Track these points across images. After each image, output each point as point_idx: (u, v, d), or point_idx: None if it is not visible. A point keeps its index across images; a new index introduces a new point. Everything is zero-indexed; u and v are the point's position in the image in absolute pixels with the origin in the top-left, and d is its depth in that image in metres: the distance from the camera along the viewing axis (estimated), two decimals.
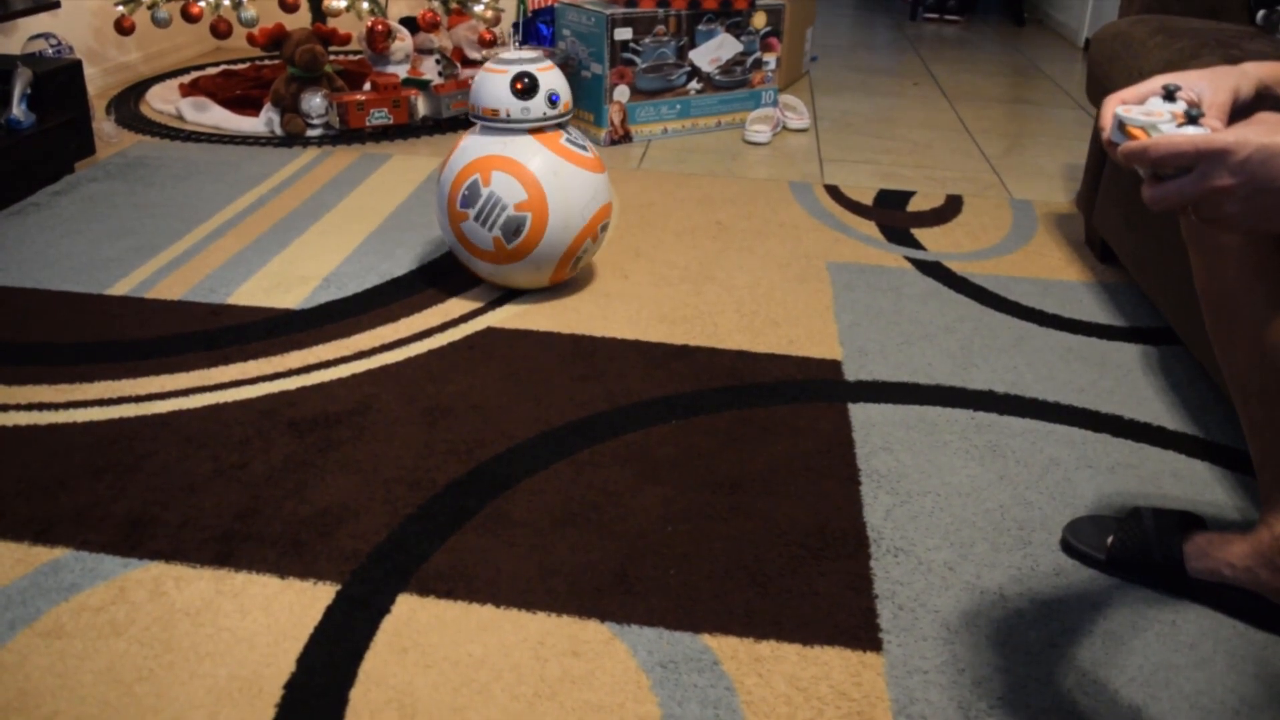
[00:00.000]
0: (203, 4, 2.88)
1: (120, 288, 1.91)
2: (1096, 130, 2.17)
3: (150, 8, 2.89)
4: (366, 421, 1.51)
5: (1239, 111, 0.94)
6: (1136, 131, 0.89)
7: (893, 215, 2.40)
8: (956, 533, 1.32)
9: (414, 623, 1.14)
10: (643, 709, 1.04)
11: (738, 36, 2.98)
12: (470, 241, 1.82)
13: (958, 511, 1.36)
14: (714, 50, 2.96)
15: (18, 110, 2.30)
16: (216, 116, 2.96)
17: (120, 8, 2.87)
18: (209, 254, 2.07)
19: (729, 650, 1.12)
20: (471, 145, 1.82)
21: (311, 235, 2.17)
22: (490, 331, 1.77)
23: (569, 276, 1.93)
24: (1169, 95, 0.92)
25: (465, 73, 3.09)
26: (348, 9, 2.96)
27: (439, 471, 1.40)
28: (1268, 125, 0.84)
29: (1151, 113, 0.90)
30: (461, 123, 2.99)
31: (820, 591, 1.20)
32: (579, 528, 1.30)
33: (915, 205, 2.47)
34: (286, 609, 1.16)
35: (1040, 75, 4.02)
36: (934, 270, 2.09)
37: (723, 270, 2.06)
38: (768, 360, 1.71)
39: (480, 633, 1.13)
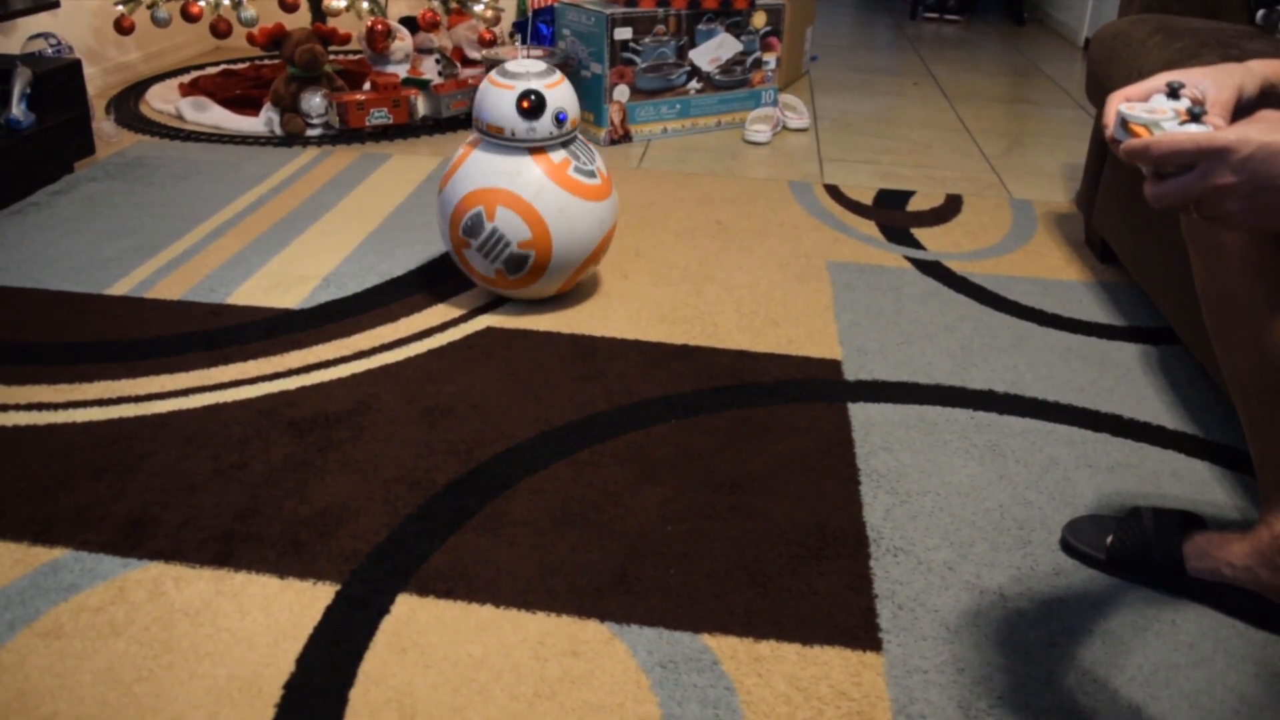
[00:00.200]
0: (202, 3, 2.88)
1: (120, 287, 1.91)
2: (1096, 130, 2.18)
3: (150, 7, 2.89)
4: (366, 421, 1.51)
5: (1243, 109, 0.94)
6: (1139, 129, 0.89)
7: (892, 215, 2.39)
8: (956, 532, 1.32)
9: (413, 623, 1.14)
10: (642, 709, 1.04)
11: (737, 36, 2.98)
12: (472, 266, 1.80)
13: (957, 511, 1.36)
14: (714, 50, 2.96)
15: (17, 110, 2.30)
16: (216, 116, 2.96)
17: (120, 7, 2.87)
18: (208, 254, 2.07)
19: (729, 650, 1.12)
20: (475, 168, 1.76)
21: (311, 235, 2.17)
22: (490, 331, 1.77)
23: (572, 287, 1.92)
24: (1173, 93, 0.92)
25: (465, 72, 3.09)
26: (347, 9, 2.96)
27: (439, 471, 1.40)
28: (1269, 123, 0.84)
29: (1155, 110, 0.90)
30: (461, 122, 2.99)
31: (820, 591, 1.20)
32: (579, 527, 1.30)
33: (915, 205, 2.47)
34: (286, 609, 1.16)
35: (1040, 75, 4.02)
36: (934, 270, 2.09)
37: (722, 270, 2.05)
38: (767, 360, 1.71)
39: (480, 633, 1.13)
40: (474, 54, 3.31)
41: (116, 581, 1.19)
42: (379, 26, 3.00)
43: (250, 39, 2.83)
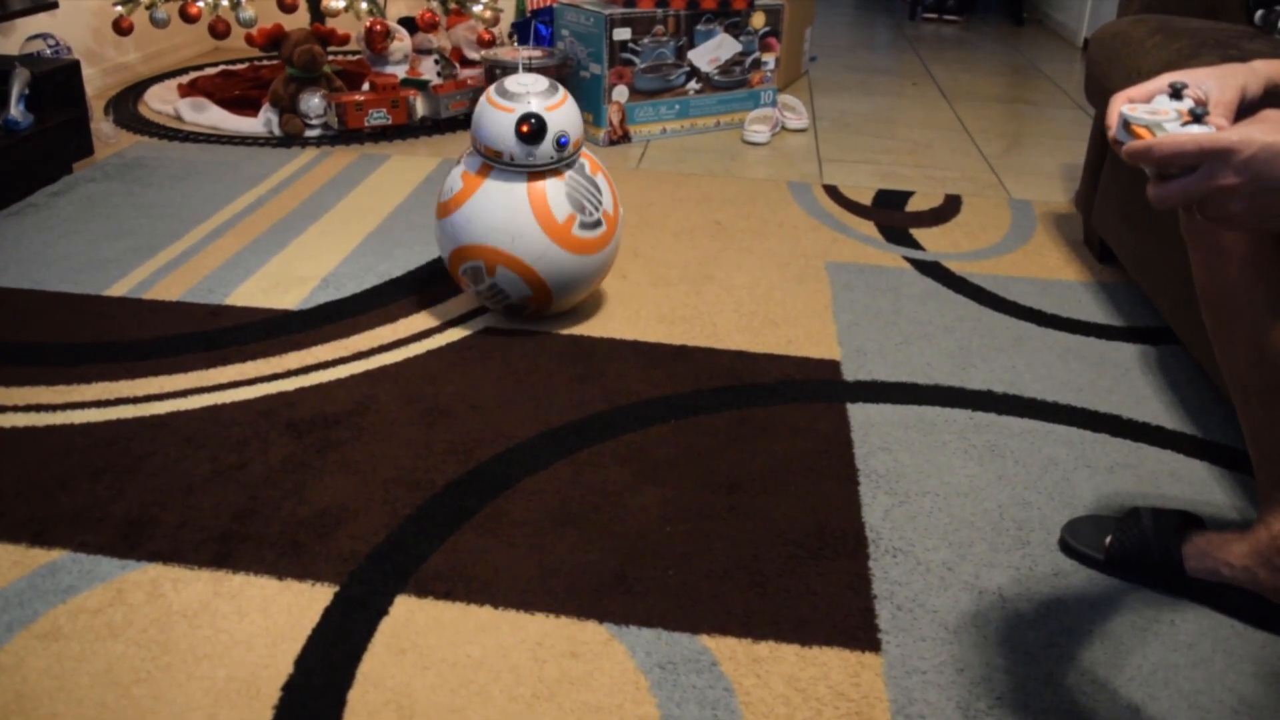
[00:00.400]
0: (201, 4, 2.88)
1: (118, 288, 1.91)
2: (1095, 130, 2.17)
3: (148, 8, 2.89)
4: (365, 422, 1.51)
5: (1246, 109, 0.94)
6: (1141, 130, 0.89)
7: (891, 215, 2.39)
8: (955, 533, 1.31)
9: (412, 624, 1.14)
10: (641, 710, 1.04)
11: (736, 36, 2.98)
12: (470, 293, 1.80)
13: (956, 512, 1.36)
14: (713, 50, 2.96)
15: (16, 111, 2.30)
16: (215, 117, 2.96)
17: (118, 8, 2.87)
18: (207, 254, 2.07)
19: (727, 651, 1.12)
20: (476, 217, 1.66)
21: (310, 236, 2.17)
22: (489, 332, 1.77)
23: None
24: (1175, 93, 0.92)
25: (464, 73, 3.09)
26: (346, 9, 2.96)
27: (437, 472, 1.40)
28: (1272, 123, 0.84)
29: (1157, 111, 0.90)
30: (460, 123, 2.99)
31: (819, 592, 1.20)
32: (578, 528, 1.30)
33: (914, 205, 2.47)
34: (284, 610, 1.16)
35: (1039, 75, 4.02)
36: (933, 270, 2.09)
37: (721, 270, 2.05)
38: (766, 360, 1.71)
39: (478, 634, 1.13)
40: (473, 54, 3.31)
41: (115, 583, 1.19)
42: (378, 27, 3.00)
43: (249, 40, 2.83)
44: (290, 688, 1.06)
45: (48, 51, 2.80)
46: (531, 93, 1.66)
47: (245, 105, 3.05)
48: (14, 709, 1.02)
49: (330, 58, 3.08)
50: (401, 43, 3.12)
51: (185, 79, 3.39)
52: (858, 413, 1.57)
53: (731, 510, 1.34)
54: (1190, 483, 1.43)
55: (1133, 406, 1.61)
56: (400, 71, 3.08)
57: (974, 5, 5.53)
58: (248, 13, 2.97)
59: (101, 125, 2.78)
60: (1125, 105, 0.92)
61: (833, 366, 1.70)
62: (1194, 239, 1.12)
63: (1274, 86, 0.98)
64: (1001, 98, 3.62)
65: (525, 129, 1.61)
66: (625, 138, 2.92)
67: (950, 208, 2.45)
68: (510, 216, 1.65)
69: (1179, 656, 1.13)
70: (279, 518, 1.30)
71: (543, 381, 1.63)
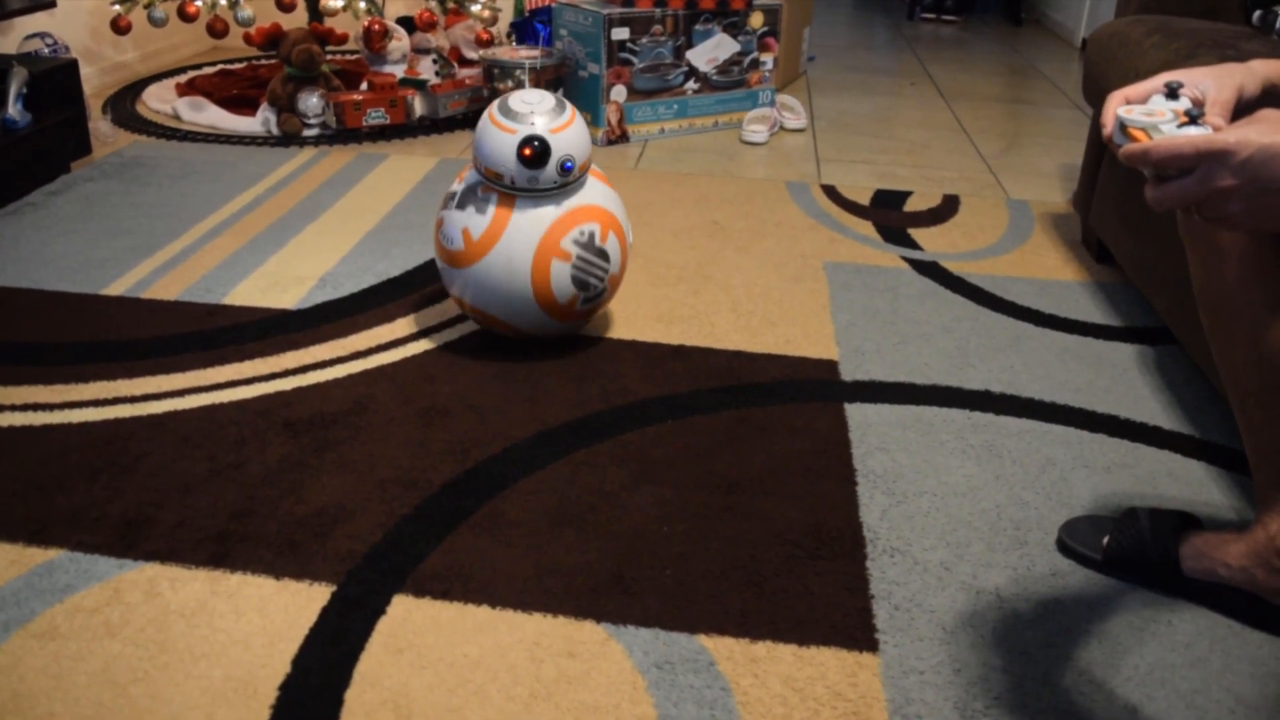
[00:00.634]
0: (199, 3, 2.88)
1: (116, 288, 1.91)
2: (1093, 130, 2.18)
3: (146, 7, 2.89)
4: (362, 422, 1.51)
5: (1244, 109, 0.94)
6: (1138, 133, 0.89)
7: (889, 215, 2.39)
8: (953, 533, 1.31)
9: (409, 624, 1.14)
10: (638, 710, 1.04)
11: (735, 36, 2.98)
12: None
13: (954, 512, 1.36)
14: (711, 50, 2.96)
15: (13, 110, 2.30)
16: (213, 116, 2.95)
17: (116, 7, 2.87)
18: (205, 254, 2.07)
19: (725, 651, 1.12)
20: (478, 281, 1.60)
21: (308, 235, 2.17)
22: (486, 332, 1.77)
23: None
24: (1171, 93, 0.92)
25: (462, 72, 3.09)
26: (344, 8, 2.95)
27: (435, 472, 1.40)
28: (1269, 124, 0.84)
29: (1153, 112, 0.90)
30: (459, 122, 2.99)
31: (816, 592, 1.20)
32: (575, 528, 1.30)
33: (912, 205, 2.47)
34: (282, 610, 1.16)
35: (1037, 75, 4.02)
36: (930, 270, 2.09)
37: (719, 270, 2.05)
38: (764, 360, 1.71)
39: (476, 633, 1.13)
40: (471, 54, 3.30)
41: (112, 583, 1.19)
42: (376, 26, 3.00)
43: (247, 39, 2.83)
44: (287, 687, 1.06)
45: (45, 50, 2.80)
46: (536, 112, 1.56)
47: (243, 104, 3.05)
48: (11, 708, 1.02)
49: (328, 57, 3.07)
50: (400, 42, 3.12)
51: (183, 78, 3.39)
52: (855, 413, 1.57)
53: (729, 510, 1.34)
54: (1188, 483, 1.43)
55: (1130, 406, 1.61)
56: (398, 71, 3.08)
57: (972, 5, 5.53)
58: (246, 12, 2.96)
59: (99, 124, 2.78)
60: (1121, 108, 0.92)
61: (830, 366, 1.70)
62: (1192, 239, 1.12)
63: (1271, 86, 0.98)
64: (1000, 98, 3.62)
65: (528, 152, 1.53)
66: (623, 137, 2.92)
67: (948, 208, 2.45)
68: (509, 296, 1.60)
69: (1176, 657, 1.13)
70: (276, 517, 1.30)
71: (540, 381, 1.63)
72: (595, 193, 1.64)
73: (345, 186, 2.46)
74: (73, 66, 2.49)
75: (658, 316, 1.85)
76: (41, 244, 2.09)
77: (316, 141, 2.80)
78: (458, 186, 1.64)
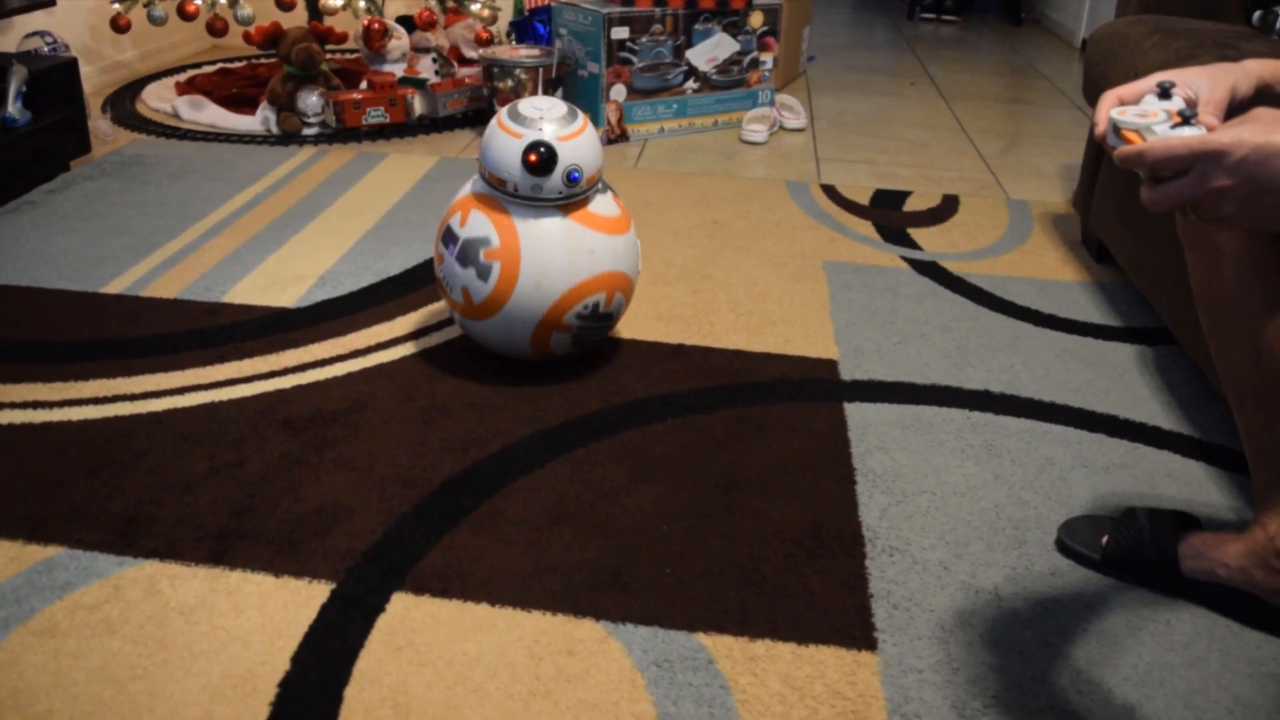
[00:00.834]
0: (199, 2, 2.88)
1: (116, 286, 1.91)
2: (1093, 130, 2.18)
3: (146, 6, 2.89)
4: (362, 420, 1.51)
5: (1237, 108, 0.94)
6: (1131, 135, 0.89)
7: (889, 215, 2.40)
8: (952, 532, 1.32)
9: (409, 621, 1.14)
10: (637, 708, 1.04)
11: (734, 36, 2.98)
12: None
13: (953, 511, 1.36)
14: (711, 50, 2.96)
15: (13, 108, 2.29)
16: (212, 115, 2.95)
17: (116, 5, 2.86)
18: (205, 252, 2.07)
19: (724, 649, 1.12)
20: (473, 335, 1.61)
21: (307, 234, 2.17)
22: None
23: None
24: (1164, 93, 0.93)
25: (462, 71, 3.09)
26: (344, 7, 2.95)
27: (434, 470, 1.40)
28: (1263, 123, 0.84)
29: (1146, 113, 0.90)
30: (458, 121, 2.99)
31: (815, 590, 1.20)
32: (574, 526, 1.30)
33: (911, 205, 2.47)
34: (281, 607, 1.16)
35: (1037, 75, 4.02)
36: (930, 270, 2.09)
37: (719, 269, 2.05)
38: (764, 359, 1.71)
39: (475, 631, 1.13)
40: (471, 53, 3.31)
41: (111, 580, 1.19)
42: (376, 25, 3.00)
43: (247, 38, 2.83)
44: (287, 684, 1.06)
45: (45, 49, 2.80)
46: (546, 118, 1.51)
47: (243, 103, 3.05)
48: (10, 705, 1.02)
49: (328, 56, 3.08)
50: (399, 41, 3.12)
51: (183, 77, 3.39)
52: (855, 412, 1.57)
53: (728, 509, 1.34)
54: (1187, 483, 1.44)
55: (1130, 406, 1.62)
56: (398, 70, 3.08)
57: (972, 5, 5.54)
58: (246, 10, 2.96)
59: (99, 123, 2.78)
60: (1114, 109, 0.92)
61: (830, 366, 1.70)
62: (1190, 240, 1.12)
63: (1265, 86, 0.98)
64: (999, 98, 3.62)
65: (533, 159, 1.47)
66: (623, 137, 2.92)
67: (948, 208, 2.46)
68: (505, 348, 1.60)
69: (1174, 656, 1.13)
70: (276, 515, 1.30)
71: (539, 380, 1.63)
72: (608, 254, 1.55)
73: (345, 185, 2.46)
74: (72, 65, 2.49)
75: (657, 315, 1.85)
76: (41, 242, 2.09)
77: (316, 140, 2.80)
78: (460, 231, 1.54)
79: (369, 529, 1.28)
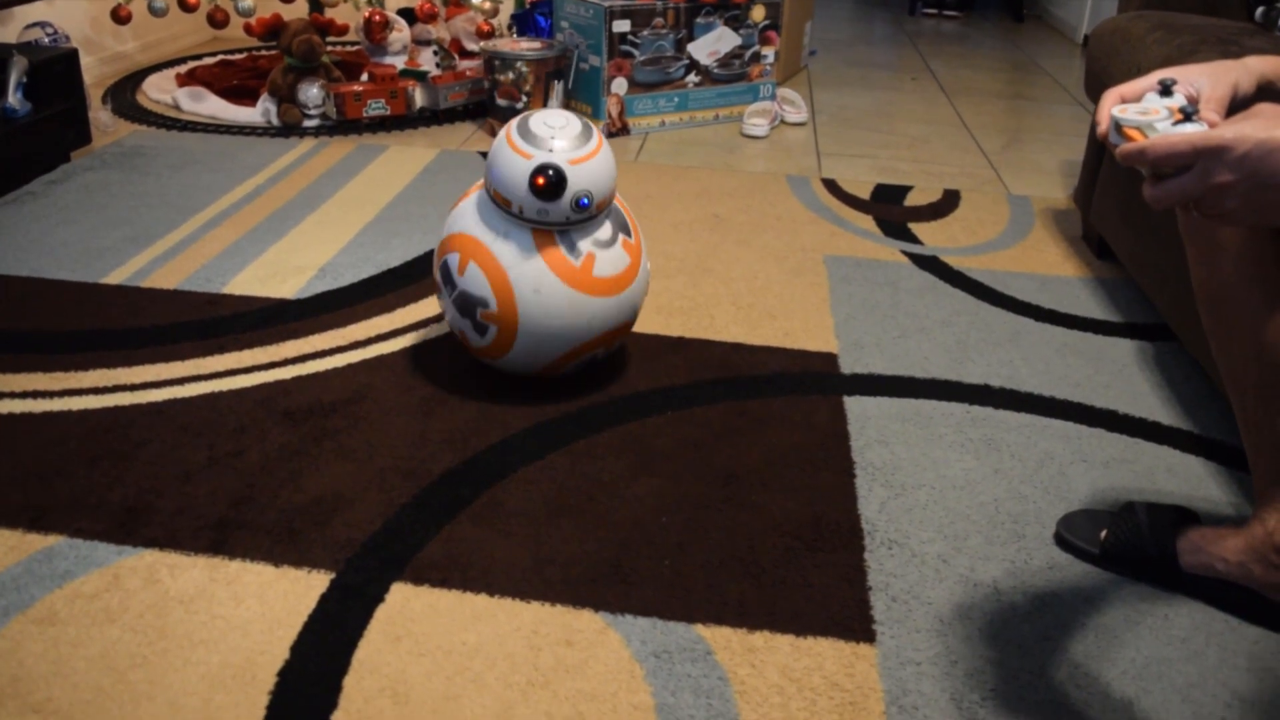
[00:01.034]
0: None
1: (116, 277, 1.91)
2: (1094, 126, 2.18)
3: None
4: (362, 411, 1.51)
5: (1238, 105, 0.94)
6: (1133, 133, 0.89)
7: (890, 209, 2.40)
8: (951, 526, 1.32)
9: (408, 611, 1.14)
10: (636, 698, 1.04)
11: (736, 30, 2.98)
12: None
13: (952, 505, 1.36)
14: (712, 43, 2.96)
15: (13, 99, 2.29)
16: (213, 106, 2.95)
17: None
18: (205, 243, 2.07)
19: (722, 641, 1.12)
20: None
21: (308, 225, 2.17)
22: None
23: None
24: (1166, 90, 0.93)
25: (463, 64, 3.09)
26: None
27: (434, 461, 1.40)
28: (1265, 119, 0.84)
29: (1147, 111, 0.90)
30: (459, 114, 2.99)
31: (814, 583, 1.21)
32: (574, 518, 1.30)
33: (912, 200, 2.47)
34: (280, 597, 1.16)
35: (1039, 71, 4.02)
36: (930, 264, 2.09)
37: (719, 263, 2.05)
38: (764, 353, 1.71)
39: (474, 621, 1.13)
40: (472, 46, 3.30)
41: (111, 569, 1.19)
42: (376, 18, 3.00)
43: (247, 29, 2.82)
44: (286, 674, 1.06)
45: (46, 39, 2.79)
46: (557, 137, 1.42)
47: (243, 95, 3.05)
48: (10, 693, 1.02)
49: (329, 48, 3.07)
50: (400, 33, 3.11)
51: (183, 68, 3.39)
52: (854, 405, 1.57)
53: (727, 501, 1.34)
54: (1186, 478, 1.44)
55: (1129, 402, 1.62)
56: (399, 62, 3.08)
57: (974, 0, 5.53)
58: (246, 2, 2.96)
59: (99, 114, 2.78)
60: (1116, 107, 0.92)
61: (830, 359, 1.70)
62: (1191, 235, 1.12)
63: (1266, 83, 0.98)
64: (1001, 93, 3.62)
65: (540, 182, 1.38)
66: (624, 130, 2.92)
67: (949, 203, 2.45)
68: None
69: (1172, 651, 1.13)
70: (275, 505, 1.30)
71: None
72: (611, 316, 1.49)
73: (345, 177, 2.46)
74: (73, 56, 2.49)
75: (657, 309, 1.85)
76: (41, 233, 2.09)
77: (316, 132, 2.80)
78: (458, 280, 1.47)
79: (368, 519, 1.28)
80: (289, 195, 2.33)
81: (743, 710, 1.03)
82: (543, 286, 1.43)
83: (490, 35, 3.15)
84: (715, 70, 3.00)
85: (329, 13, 3.06)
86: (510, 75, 2.77)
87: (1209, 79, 0.94)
